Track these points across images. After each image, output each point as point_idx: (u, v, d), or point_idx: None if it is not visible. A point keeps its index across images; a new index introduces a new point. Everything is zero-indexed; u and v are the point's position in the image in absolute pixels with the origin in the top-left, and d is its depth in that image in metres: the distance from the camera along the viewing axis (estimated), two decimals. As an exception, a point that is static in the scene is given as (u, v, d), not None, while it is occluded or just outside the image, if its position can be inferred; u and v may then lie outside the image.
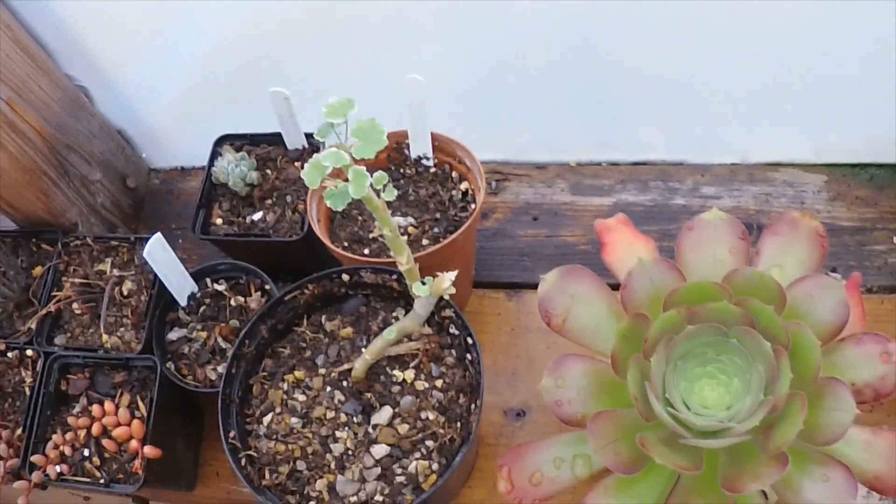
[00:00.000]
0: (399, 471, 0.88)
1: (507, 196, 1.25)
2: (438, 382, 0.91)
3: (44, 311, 1.07)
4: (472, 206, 1.04)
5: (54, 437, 1.01)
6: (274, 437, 0.92)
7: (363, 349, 0.92)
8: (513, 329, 1.13)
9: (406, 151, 1.10)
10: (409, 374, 0.92)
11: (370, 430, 0.90)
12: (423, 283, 0.82)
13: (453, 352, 0.93)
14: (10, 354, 1.08)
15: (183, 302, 1.08)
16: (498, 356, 1.11)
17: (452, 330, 0.93)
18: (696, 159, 1.22)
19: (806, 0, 1.01)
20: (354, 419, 0.90)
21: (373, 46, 1.15)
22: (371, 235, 1.04)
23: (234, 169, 1.12)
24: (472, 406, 0.89)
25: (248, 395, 0.95)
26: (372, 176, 0.72)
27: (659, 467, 0.79)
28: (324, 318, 0.98)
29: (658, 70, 1.13)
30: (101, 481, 0.98)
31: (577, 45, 1.12)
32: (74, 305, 1.10)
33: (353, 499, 0.87)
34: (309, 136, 1.16)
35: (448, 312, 0.92)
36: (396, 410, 0.90)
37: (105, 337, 1.06)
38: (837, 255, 1.10)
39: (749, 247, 0.87)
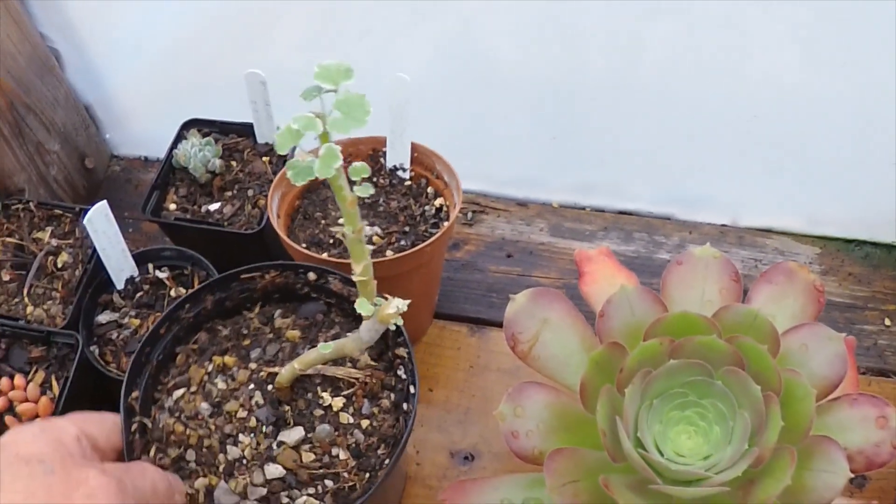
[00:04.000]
0: (285, 500, 0.76)
1: (482, 229, 1.18)
2: (364, 423, 0.79)
3: (-35, 267, 0.98)
4: (445, 223, 0.97)
5: (-49, 408, 0.91)
6: (177, 414, 0.81)
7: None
8: (471, 366, 1.04)
9: (382, 160, 1.03)
10: (338, 403, 0.80)
11: (274, 445, 0.78)
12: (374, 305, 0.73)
13: (392, 396, 0.82)
14: (-81, 314, 0.98)
15: (119, 285, 0.99)
16: (452, 393, 1.02)
17: (400, 372, 0.82)
18: (684, 216, 1.16)
19: (805, 70, 0.98)
20: (263, 428, 0.79)
21: (357, 47, 1.10)
22: (332, 240, 0.97)
23: (198, 153, 1.04)
24: (387, 461, 0.77)
25: (169, 364, 0.85)
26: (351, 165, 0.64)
27: (619, 516, 0.71)
28: (277, 312, 0.88)
29: (650, 118, 1.09)
30: (-5, 462, 0.88)
31: (566, 83, 1.08)
32: (3, 272, 1.01)
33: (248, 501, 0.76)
34: (282, 130, 1.09)
35: (402, 352, 0.82)
36: (309, 435, 0.79)
37: (30, 308, 0.97)
38: (825, 331, 1.03)
39: (741, 290, 0.80)
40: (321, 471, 0.76)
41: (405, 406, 0.79)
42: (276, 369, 0.81)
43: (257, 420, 0.79)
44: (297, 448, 0.78)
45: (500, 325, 0.84)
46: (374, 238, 0.96)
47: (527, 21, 1.02)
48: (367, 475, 0.76)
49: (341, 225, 0.96)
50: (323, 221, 0.99)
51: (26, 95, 1.12)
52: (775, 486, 0.65)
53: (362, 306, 0.71)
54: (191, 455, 0.79)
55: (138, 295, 0.99)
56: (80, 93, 1.25)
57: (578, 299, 0.86)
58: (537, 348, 0.81)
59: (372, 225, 0.98)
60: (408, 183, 1.02)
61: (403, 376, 0.80)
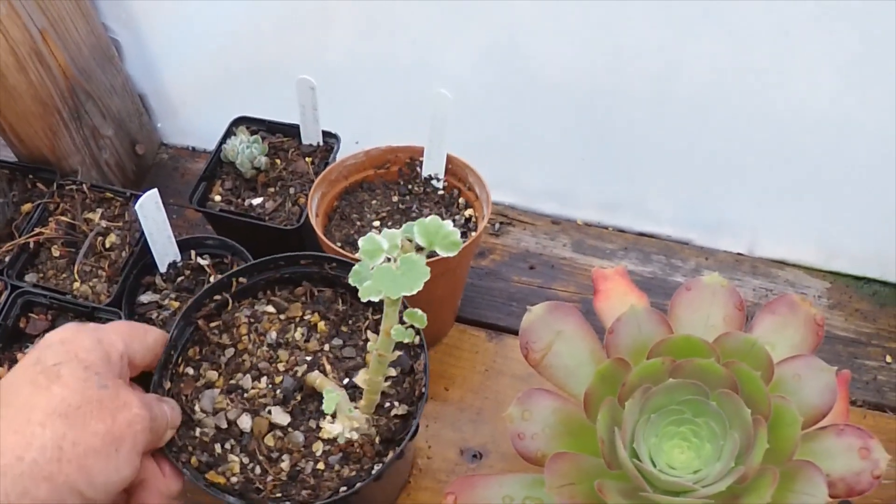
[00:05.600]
0: (226, 447, 0.82)
1: (507, 240, 1.23)
2: (321, 465, 0.80)
3: (22, 240, 1.04)
4: (473, 234, 1.02)
5: (-1, 370, 0.98)
6: (253, 322, 0.89)
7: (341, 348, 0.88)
8: (487, 370, 1.10)
9: (418, 169, 1.08)
10: (326, 433, 0.81)
11: (267, 409, 0.84)
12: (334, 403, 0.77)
13: (353, 472, 0.80)
14: (-25, 281, 1.05)
15: (162, 268, 1.05)
16: (466, 393, 1.08)
17: (377, 467, 0.79)
18: (702, 241, 1.21)
19: (839, 102, 1.01)
20: (277, 391, 0.85)
21: (403, 51, 1.16)
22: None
23: (245, 149, 1.10)
24: None
25: (290, 286, 0.92)
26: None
27: (611, 520, 0.76)
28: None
29: (679, 144, 1.13)
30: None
31: (602, 103, 1.12)
32: (54, 248, 1.07)
33: (195, 410, 0.83)
34: (326, 133, 1.14)
35: (390, 456, 0.79)
36: (287, 429, 0.83)
37: (77, 284, 1.03)
38: (827, 362, 1.06)
39: (744, 319, 0.85)
40: (261, 457, 0.81)
41: (343, 490, 0.77)
42: (328, 368, 0.86)
43: (281, 382, 0.85)
44: (271, 427, 0.83)
45: (517, 332, 0.89)
46: (405, 244, 1.01)
47: (569, 37, 1.07)
48: (279, 495, 0.78)
49: (375, 228, 1.03)
50: (359, 223, 1.04)
51: (87, 82, 1.18)
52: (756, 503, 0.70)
53: (328, 403, 0.76)
54: (229, 353, 0.87)
55: (179, 279, 1.05)
56: (136, 82, 1.32)
57: (593, 314, 0.92)
58: (549, 357, 0.86)
59: (404, 230, 1.03)
60: (441, 192, 1.07)
61: (372, 471, 0.79)
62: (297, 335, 0.89)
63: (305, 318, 0.90)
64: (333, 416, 0.81)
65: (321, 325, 0.89)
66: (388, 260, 0.64)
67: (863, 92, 0.99)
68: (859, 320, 1.12)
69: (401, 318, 0.71)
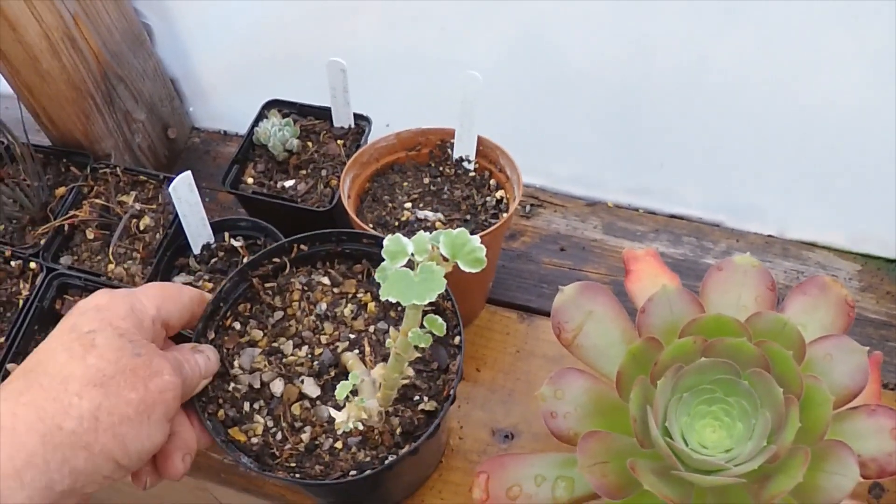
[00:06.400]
0: (254, 406, 0.84)
1: (538, 222, 1.23)
2: (339, 445, 0.81)
3: (57, 223, 1.06)
4: (504, 215, 1.03)
5: (35, 351, 0.99)
6: (306, 290, 0.90)
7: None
8: (518, 351, 1.10)
9: (449, 151, 1.09)
10: (334, 416, 0.82)
11: (301, 378, 0.85)
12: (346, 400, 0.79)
13: (366, 457, 0.80)
14: (13, 263, 1.07)
15: (196, 250, 1.07)
16: (498, 374, 1.08)
17: (391, 457, 0.79)
18: (733, 223, 1.20)
19: (867, 92, 1.00)
20: (314, 363, 0.86)
21: (433, 38, 1.16)
22: (397, 223, 1.03)
23: (277, 132, 1.11)
24: (297, 476, 0.79)
25: (349, 263, 0.93)
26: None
27: (643, 499, 0.76)
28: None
29: (709, 128, 1.13)
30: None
31: (632, 88, 1.12)
32: (88, 231, 1.09)
33: (233, 365, 0.85)
34: (357, 116, 1.15)
35: (405, 451, 0.80)
36: (315, 400, 0.84)
37: (111, 265, 1.05)
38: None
39: (775, 299, 0.85)
40: (285, 424, 0.83)
41: (352, 473, 0.79)
42: (367, 350, 0.87)
43: (320, 355, 0.86)
44: (301, 397, 0.85)
45: (548, 314, 0.89)
46: (437, 224, 1.02)
47: (599, 25, 1.07)
48: (293, 465, 0.80)
49: (407, 209, 1.04)
50: (390, 205, 1.05)
51: (118, 67, 1.20)
52: (788, 483, 0.70)
53: (340, 390, 0.76)
54: (277, 316, 0.89)
55: (213, 260, 1.06)
56: (167, 67, 1.33)
57: (624, 295, 0.92)
58: (580, 337, 0.86)
59: (435, 211, 1.04)
60: (472, 174, 1.07)
61: (387, 460, 0.79)
62: (346, 311, 0.90)
63: (358, 295, 0.91)
64: (348, 400, 0.81)
65: (371, 305, 0.90)
66: (410, 265, 0.64)
67: (892, 82, 0.98)
68: (890, 303, 1.11)
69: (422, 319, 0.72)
